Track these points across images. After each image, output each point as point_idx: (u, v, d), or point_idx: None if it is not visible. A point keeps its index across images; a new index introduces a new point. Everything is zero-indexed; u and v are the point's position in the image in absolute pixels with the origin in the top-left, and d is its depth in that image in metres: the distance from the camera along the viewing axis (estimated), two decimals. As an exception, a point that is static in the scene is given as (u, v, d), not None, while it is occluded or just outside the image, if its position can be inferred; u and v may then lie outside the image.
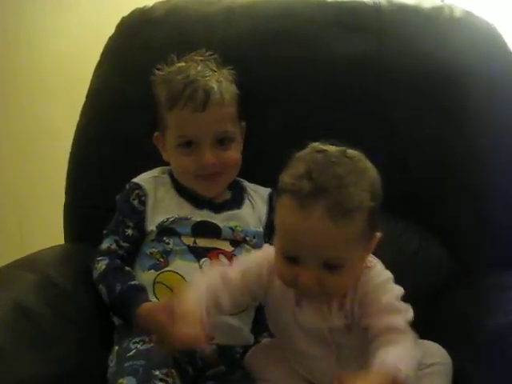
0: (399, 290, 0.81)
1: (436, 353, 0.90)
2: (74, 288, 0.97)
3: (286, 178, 0.78)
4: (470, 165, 1.09)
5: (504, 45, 1.14)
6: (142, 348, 0.87)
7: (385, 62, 1.11)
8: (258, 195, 1.07)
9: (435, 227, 1.10)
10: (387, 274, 0.83)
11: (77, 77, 1.39)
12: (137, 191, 1.01)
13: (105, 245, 1.00)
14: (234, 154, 1.02)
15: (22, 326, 0.82)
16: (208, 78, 0.99)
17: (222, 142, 1.00)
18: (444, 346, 0.92)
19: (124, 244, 0.99)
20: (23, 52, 1.72)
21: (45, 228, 1.69)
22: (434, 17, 1.15)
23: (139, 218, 1.00)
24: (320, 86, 1.12)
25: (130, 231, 0.99)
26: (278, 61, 1.12)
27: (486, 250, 1.08)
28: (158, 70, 1.03)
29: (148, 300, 0.93)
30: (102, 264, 0.97)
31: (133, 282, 0.95)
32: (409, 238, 1.07)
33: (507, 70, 1.12)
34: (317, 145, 0.80)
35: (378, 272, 0.82)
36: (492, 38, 1.14)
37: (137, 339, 0.89)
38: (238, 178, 1.06)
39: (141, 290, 0.94)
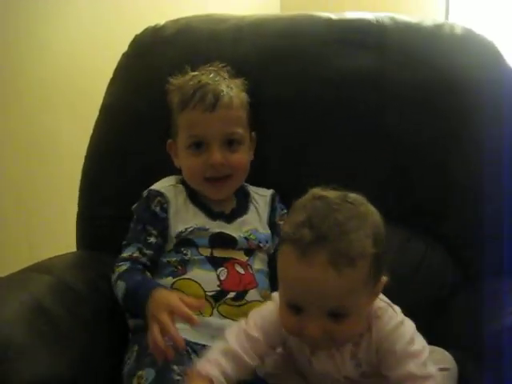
0: (411, 329, 0.81)
1: (445, 358, 0.91)
2: (90, 292, 0.99)
3: (286, 226, 0.78)
4: (472, 174, 1.11)
5: (503, 61, 1.17)
6: None
7: (388, 78, 1.15)
8: (260, 198, 1.10)
9: (439, 236, 1.12)
10: (397, 317, 0.81)
11: (85, 90, 1.43)
12: (158, 198, 1.02)
13: (127, 253, 0.99)
14: (243, 156, 1.04)
15: (40, 325, 0.84)
16: (218, 83, 1.03)
17: (231, 144, 1.03)
18: (449, 352, 0.94)
19: (147, 251, 0.99)
20: (28, 61, 1.74)
21: (53, 237, 1.71)
22: (436, 34, 1.18)
23: (162, 225, 1.00)
24: (325, 101, 1.15)
25: (153, 239, 1.00)
26: (285, 77, 1.16)
27: (491, 258, 1.09)
28: (173, 79, 1.07)
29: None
30: (122, 267, 0.97)
31: (154, 281, 0.96)
32: (413, 247, 1.09)
33: (506, 85, 1.14)
34: (317, 191, 0.79)
35: (390, 317, 0.81)
36: (491, 54, 1.17)
37: None
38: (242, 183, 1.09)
39: (160, 285, 0.95)
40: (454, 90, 1.13)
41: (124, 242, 1.02)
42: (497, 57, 1.17)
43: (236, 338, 0.82)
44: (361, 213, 0.77)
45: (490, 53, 1.18)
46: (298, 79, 1.16)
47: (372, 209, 0.79)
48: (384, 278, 0.80)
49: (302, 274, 0.74)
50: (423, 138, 1.13)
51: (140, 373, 0.85)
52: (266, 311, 0.86)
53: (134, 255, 0.99)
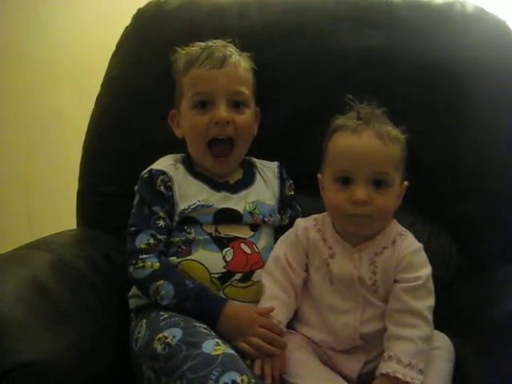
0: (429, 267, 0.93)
1: (437, 337, 0.92)
2: (89, 269, 0.98)
3: (338, 121, 0.95)
4: (480, 159, 1.10)
5: (515, 40, 1.15)
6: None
7: (396, 56, 1.13)
8: (268, 169, 1.08)
9: (445, 220, 1.11)
10: (419, 244, 0.95)
11: (87, 64, 1.41)
12: (161, 177, 0.99)
13: (142, 242, 0.95)
14: (248, 119, 1.02)
15: (39, 302, 0.83)
16: (226, 47, 1.03)
17: (237, 105, 1.01)
18: (451, 336, 0.94)
19: (161, 237, 0.96)
20: (31, 36, 1.72)
21: (53, 215, 1.71)
22: (446, 12, 1.16)
23: (169, 204, 0.98)
24: (331, 78, 1.13)
25: (162, 222, 0.97)
26: (291, 54, 1.14)
27: (495, 244, 1.09)
28: (180, 49, 1.05)
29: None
30: (151, 262, 0.94)
31: (199, 281, 0.94)
32: (418, 230, 1.07)
33: (518, 65, 1.13)
34: None
35: (413, 239, 0.95)
36: (503, 34, 1.15)
37: (164, 313, 0.90)
38: (246, 157, 1.07)
39: (210, 290, 0.94)
40: (463, 71, 1.11)
41: (133, 229, 0.97)
42: (509, 36, 1.15)
43: (272, 281, 0.95)
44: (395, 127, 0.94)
45: (502, 33, 1.16)
46: (304, 55, 1.14)
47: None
48: (405, 183, 0.94)
49: (354, 143, 0.91)
50: (430, 120, 1.11)
51: (161, 334, 0.84)
52: (287, 236, 0.99)
53: (151, 242, 0.96)
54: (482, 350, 0.91)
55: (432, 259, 0.93)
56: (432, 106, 1.11)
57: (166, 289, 0.92)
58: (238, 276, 0.96)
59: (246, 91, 1.02)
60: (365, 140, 0.90)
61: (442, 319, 0.93)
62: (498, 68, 1.12)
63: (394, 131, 0.93)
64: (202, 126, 1.00)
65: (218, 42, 1.04)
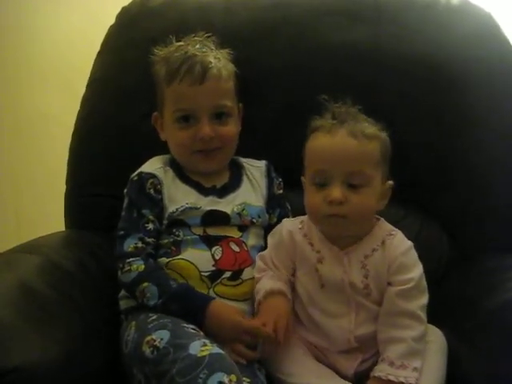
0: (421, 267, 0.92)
1: (429, 331, 0.92)
2: (78, 271, 0.97)
3: (315, 122, 0.94)
4: (469, 149, 1.09)
5: (500, 33, 1.15)
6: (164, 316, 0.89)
7: (383, 51, 1.12)
8: (255, 169, 1.08)
9: (435, 212, 1.11)
10: (409, 242, 0.93)
11: (74, 64, 1.40)
12: (151, 180, 0.99)
13: (130, 245, 0.95)
14: (232, 129, 1.02)
15: (28, 305, 0.82)
16: (206, 54, 1.00)
17: (220, 116, 1.00)
18: (443, 329, 0.94)
19: (149, 240, 0.96)
20: (23, 39, 1.71)
21: (41, 216, 1.70)
22: (432, 5, 1.16)
23: (158, 207, 0.98)
24: (318, 74, 1.12)
25: (151, 225, 0.97)
26: (277, 49, 1.13)
27: (485, 235, 1.09)
28: (158, 50, 1.04)
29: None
30: (137, 264, 0.94)
31: (182, 281, 0.94)
32: (409, 224, 1.08)
33: (503, 57, 1.13)
34: None
35: (403, 238, 0.94)
36: (488, 26, 1.15)
37: (153, 315, 0.90)
38: (234, 157, 1.07)
39: (195, 290, 0.94)
40: (450, 64, 1.11)
41: (121, 232, 0.97)
42: (494, 29, 1.15)
43: (265, 274, 0.95)
44: (374, 124, 0.93)
45: (487, 25, 1.16)
46: (290, 51, 1.13)
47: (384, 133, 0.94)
48: (390, 182, 0.93)
49: (327, 143, 0.90)
50: (420, 113, 1.11)
51: (150, 337, 0.84)
52: (273, 236, 0.98)
53: (139, 246, 0.96)
54: (473, 342, 0.91)
55: (424, 252, 0.93)
56: (419, 99, 1.11)
57: (150, 290, 0.92)
58: (227, 274, 0.96)
59: (229, 103, 1.01)
60: (338, 139, 0.89)
61: (434, 312, 0.93)
62: (484, 57, 1.12)
63: (371, 129, 0.91)
64: (186, 140, 1.00)
65: (197, 44, 1.02)
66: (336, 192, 0.87)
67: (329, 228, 0.92)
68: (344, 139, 0.89)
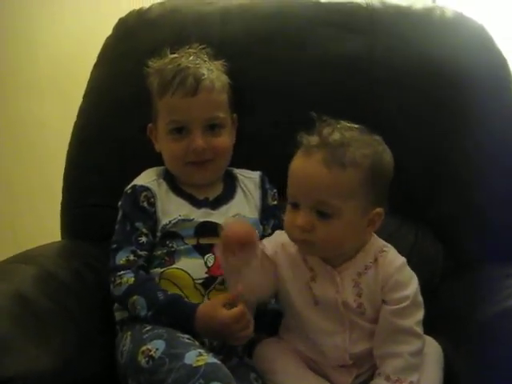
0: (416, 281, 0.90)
1: (426, 343, 0.91)
2: (74, 281, 0.97)
3: (301, 139, 0.88)
4: (462, 160, 1.11)
5: (493, 45, 1.16)
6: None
7: (377, 62, 1.14)
8: (249, 180, 1.08)
9: (430, 222, 1.12)
10: (402, 258, 0.91)
11: (72, 74, 1.40)
12: (145, 193, 1.00)
13: (121, 258, 0.96)
14: (225, 140, 1.03)
15: (23, 316, 0.82)
16: (198, 66, 1.01)
17: (213, 128, 1.01)
18: (438, 339, 0.94)
19: (142, 253, 0.97)
20: (20, 49, 1.72)
21: (38, 225, 1.69)
22: (426, 18, 1.17)
23: (152, 220, 0.98)
24: (312, 85, 1.13)
25: (143, 238, 0.97)
26: (272, 60, 1.14)
27: (481, 244, 1.09)
28: (152, 62, 1.04)
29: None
30: (127, 277, 0.94)
31: (171, 292, 0.94)
32: (404, 234, 1.09)
33: (496, 69, 1.14)
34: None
35: (396, 255, 0.91)
36: (481, 38, 1.16)
37: (148, 325, 0.90)
38: (228, 168, 1.07)
39: (183, 298, 0.94)
40: (443, 75, 1.12)
41: (114, 246, 0.98)
42: (487, 40, 1.17)
43: None
44: (370, 141, 0.87)
45: (480, 36, 1.17)
46: (285, 62, 1.14)
47: (386, 148, 0.89)
48: (378, 209, 0.87)
49: (300, 167, 0.87)
50: (415, 123, 1.12)
51: (145, 347, 0.84)
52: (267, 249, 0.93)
53: (131, 258, 0.96)
54: (469, 353, 0.91)
55: (419, 261, 0.93)
56: (413, 110, 1.12)
57: (140, 303, 0.92)
58: (219, 279, 0.96)
59: (222, 114, 1.02)
60: (310, 165, 0.85)
61: (430, 322, 0.93)
62: (477, 69, 1.13)
63: (355, 154, 0.84)
64: (179, 152, 1.00)
65: (191, 56, 1.02)
66: (301, 219, 0.84)
67: (303, 252, 0.90)
68: (315, 167, 0.84)
